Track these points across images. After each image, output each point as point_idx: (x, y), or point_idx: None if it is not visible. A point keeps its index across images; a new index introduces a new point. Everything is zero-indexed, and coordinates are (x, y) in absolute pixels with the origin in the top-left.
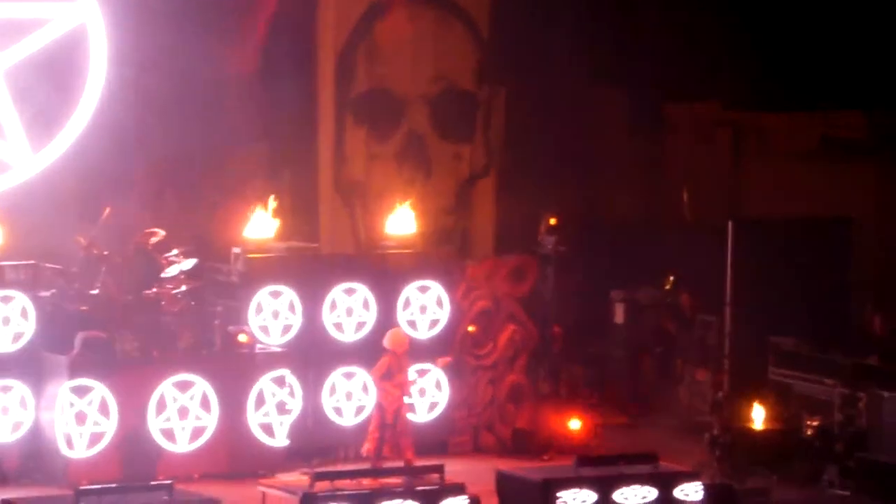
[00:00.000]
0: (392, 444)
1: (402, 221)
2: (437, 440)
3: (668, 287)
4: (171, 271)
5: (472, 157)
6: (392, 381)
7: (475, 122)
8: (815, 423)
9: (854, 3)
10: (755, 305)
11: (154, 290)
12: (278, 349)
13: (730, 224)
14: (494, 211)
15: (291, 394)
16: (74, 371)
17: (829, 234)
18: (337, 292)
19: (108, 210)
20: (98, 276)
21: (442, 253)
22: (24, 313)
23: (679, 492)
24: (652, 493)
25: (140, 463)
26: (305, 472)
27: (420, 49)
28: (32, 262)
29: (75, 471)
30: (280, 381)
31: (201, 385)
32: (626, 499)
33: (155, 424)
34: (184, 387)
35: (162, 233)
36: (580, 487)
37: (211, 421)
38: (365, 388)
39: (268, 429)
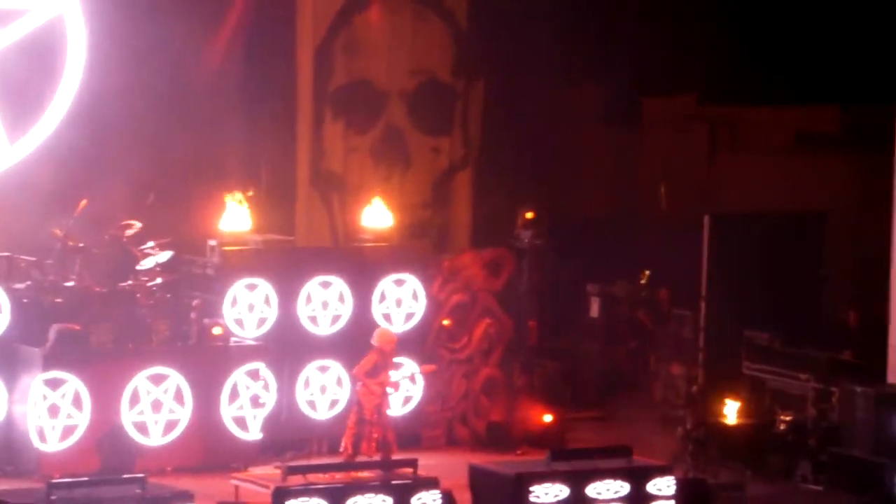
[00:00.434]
0: (369, 441)
1: (378, 215)
2: (411, 434)
3: (643, 282)
4: (146, 264)
5: (450, 150)
6: (376, 378)
7: (453, 116)
8: (788, 418)
9: None
10: (730, 300)
11: (129, 282)
12: (253, 342)
13: (706, 219)
14: (471, 204)
15: (265, 387)
16: (48, 363)
17: (803, 228)
18: (312, 285)
19: (84, 202)
20: (73, 269)
21: (418, 246)
22: None
23: (652, 486)
24: (625, 487)
25: (113, 456)
26: (278, 465)
27: (398, 42)
28: (7, 253)
29: (48, 464)
30: (254, 375)
31: (175, 378)
32: (598, 493)
33: (128, 417)
34: (157, 380)
35: (138, 225)
36: (553, 482)
37: (184, 414)
38: (339, 382)
39: (241, 422)
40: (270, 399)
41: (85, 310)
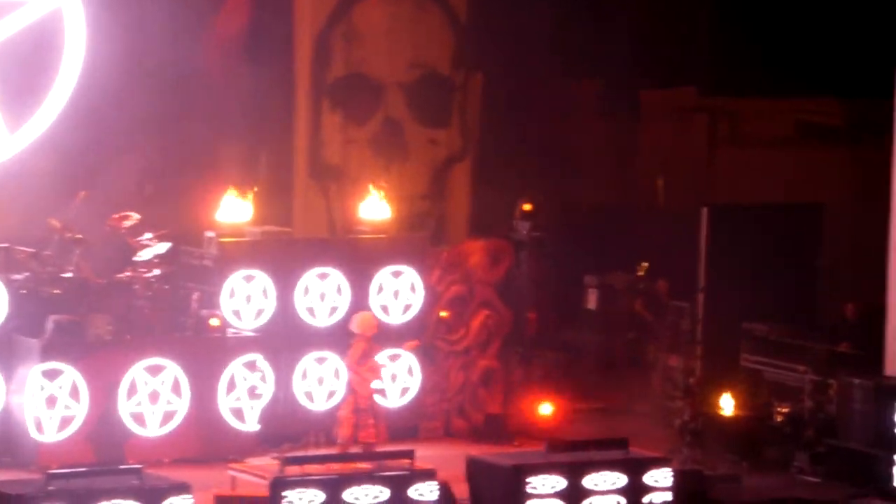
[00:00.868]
0: (366, 429)
1: (376, 206)
2: (409, 425)
3: (641, 273)
4: (144, 255)
5: (448, 142)
6: (365, 365)
7: (451, 108)
8: (785, 410)
9: None
10: (728, 292)
11: (127, 273)
12: (250, 334)
13: (704, 210)
14: (469, 196)
15: (263, 378)
16: (45, 354)
17: (802, 220)
18: (310, 277)
19: (82, 193)
20: (71, 260)
21: (416, 238)
22: None
23: (649, 478)
24: (622, 478)
25: (110, 447)
26: (276, 456)
27: (397, 34)
28: (5, 244)
29: (45, 454)
30: (251, 366)
31: (172, 369)
32: (595, 485)
33: (125, 408)
34: (155, 371)
35: (136, 216)
36: (550, 473)
37: (182, 405)
38: (336, 374)
39: (239, 413)
40: (268, 390)
41: (83, 301)
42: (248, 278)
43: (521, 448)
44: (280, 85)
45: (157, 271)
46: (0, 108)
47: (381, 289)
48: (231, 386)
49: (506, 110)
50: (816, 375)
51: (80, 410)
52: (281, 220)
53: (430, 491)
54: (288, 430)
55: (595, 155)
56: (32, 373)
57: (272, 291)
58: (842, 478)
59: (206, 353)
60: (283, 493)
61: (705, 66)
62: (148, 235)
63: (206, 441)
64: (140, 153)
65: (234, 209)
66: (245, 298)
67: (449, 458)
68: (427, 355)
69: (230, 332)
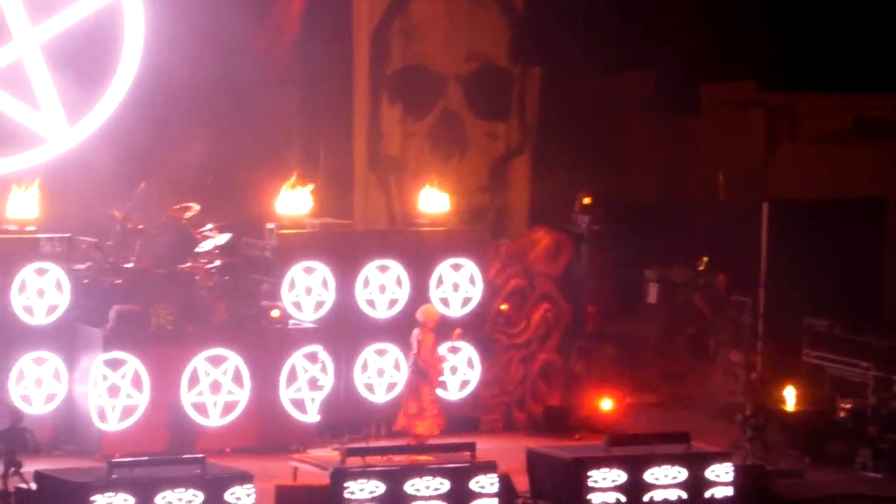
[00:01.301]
0: (433, 419)
1: (436, 199)
2: (469, 418)
3: (701, 268)
4: (205, 246)
5: (507, 135)
6: (433, 356)
7: (510, 101)
8: (848, 406)
9: None
10: (789, 287)
11: (188, 264)
12: (311, 325)
13: (764, 206)
14: (528, 189)
15: (323, 370)
16: (108, 344)
17: (862, 215)
18: (370, 269)
19: (142, 184)
20: (132, 250)
21: (475, 231)
22: (58, 286)
23: (710, 472)
24: (683, 473)
25: (172, 436)
26: (337, 447)
27: (455, 27)
28: (67, 234)
29: (108, 443)
30: (312, 357)
31: (234, 360)
32: (656, 479)
33: (187, 398)
34: (216, 361)
35: (196, 207)
36: (611, 467)
37: (243, 396)
38: (397, 366)
39: (299, 404)
40: (328, 382)
41: (144, 291)
42: (309, 270)
43: (581, 441)
44: (339, 78)
45: (217, 262)
46: (60, 100)
47: (440, 281)
48: (292, 377)
49: (564, 103)
50: (879, 371)
51: (142, 400)
52: (341, 213)
53: (491, 483)
54: (348, 422)
55: (653, 148)
56: (95, 362)
57: (332, 283)
58: None
59: (267, 344)
60: (345, 484)
61: (764, 60)
62: (209, 226)
63: (267, 431)
64: (201, 145)
65: (295, 201)
66: (305, 290)
67: (509, 450)
68: (487, 348)
69: (291, 323)
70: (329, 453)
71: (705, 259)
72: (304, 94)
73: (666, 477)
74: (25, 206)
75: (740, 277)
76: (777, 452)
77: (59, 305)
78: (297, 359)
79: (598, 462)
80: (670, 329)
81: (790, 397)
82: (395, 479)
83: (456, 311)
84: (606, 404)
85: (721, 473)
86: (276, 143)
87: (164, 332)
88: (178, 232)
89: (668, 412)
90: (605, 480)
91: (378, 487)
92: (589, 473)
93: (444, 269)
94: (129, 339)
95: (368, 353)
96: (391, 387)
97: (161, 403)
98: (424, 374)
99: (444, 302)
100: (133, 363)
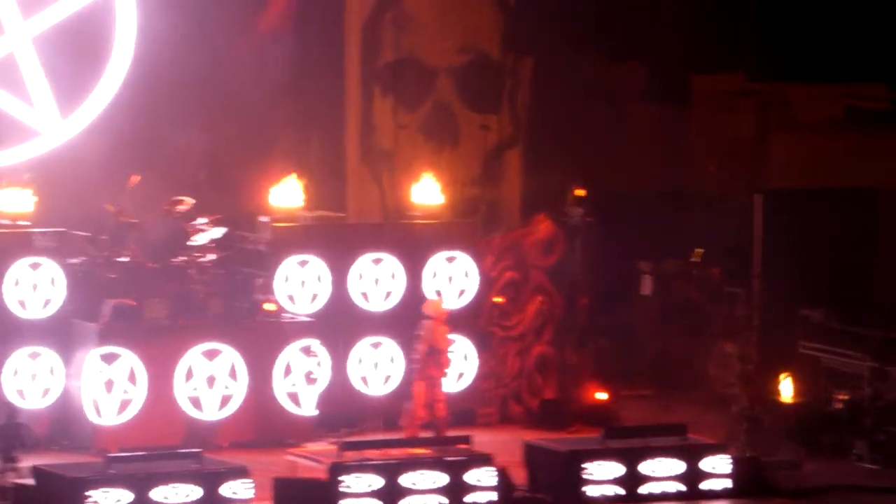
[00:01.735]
0: (437, 412)
1: (429, 191)
2: (465, 411)
3: (696, 259)
4: (199, 240)
5: (500, 127)
6: (447, 347)
7: (502, 93)
8: (843, 397)
9: None
10: (783, 278)
11: (182, 258)
12: (306, 318)
13: (756, 196)
14: (520, 181)
15: (319, 363)
16: (103, 338)
17: (856, 205)
18: (364, 262)
19: (136, 178)
20: (126, 244)
21: (469, 223)
22: (53, 280)
23: (706, 464)
24: (679, 465)
25: (167, 431)
26: (333, 441)
27: (447, 19)
28: (62, 229)
29: (103, 438)
30: (307, 351)
31: (229, 354)
32: (653, 471)
33: (183, 392)
34: (212, 355)
35: (190, 201)
36: (607, 459)
37: (238, 390)
38: (392, 358)
39: (295, 398)
40: (324, 375)
41: (139, 285)
42: (303, 263)
43: (577, 434)
44: (331, 71)
45: (211, 256)
46: (52, 93)
47: (435, 274)
48: (287, 371)
49: (556, 95)
50: (875, 362)
51: (137, 394)
52: (334, 206)
53: (488, 476)
54: (344, 415)
55: (646, 140)
56: (90, 357)
57: (326, 276)
58: None
59: (262, 337)
60: (342, 478)
61: (755, 50)
62: (203, 220)
63: (263, 425)
64: (194, 138)
65: (288, 194)
66: (299, 283)
67: (506, 443)
68: (483, 341)
69: (286, 316)
70: (325, 447)
71: (699, 250)
72: (296, 88)
73: (662, 469)
74: (19, 201)
75: (734, 269)
76: (773, 444)
77: (53, 300)
78: (292, 352)
79: (595, 454)
80: (664, 321)
81: (786, 388)
82: (391, 472)
83: (451, 303)
84: (602, 396)
85: (717, 465)
86: (268, 137)
87: (158, 327)
88: (172, 226)
89: (663, 404)
90: (602, 473)
91: (375, 481)
92: (585, 466)
93: (438, 261)
94: (123, 334)
95: (363, 346)
96: (387, 379)
97: (156, 398)
98: (440, 364)
99: (439, 295)
100: (128, 357)
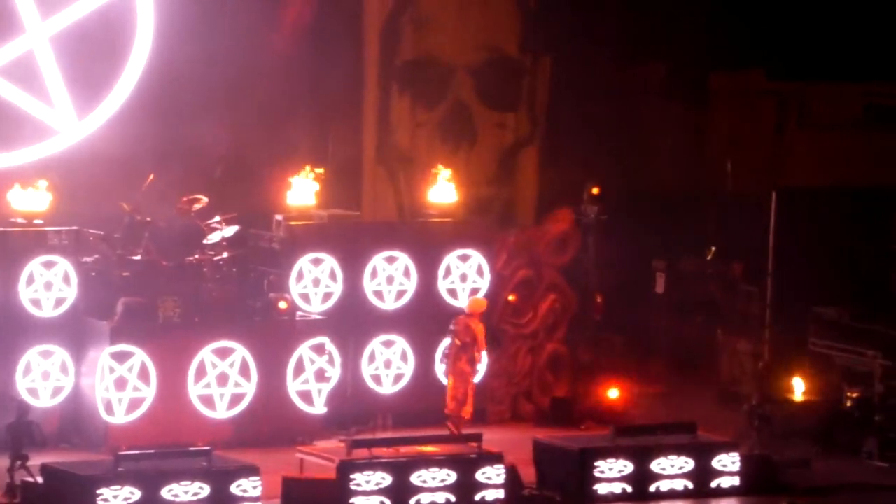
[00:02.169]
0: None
1: (444, 190)
2: (476, 409)
3: (709, 257)
4: (213, 238)
5: (517, 126)
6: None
7: (520, 91)
8: (855, 395)
9: None
10: (798, 276)
11: (196, 256)
12: (318, 317)
13: (773, 194)
14: (536, 180)
15: (331, 361)
16: (115, 337)
17: (872, 203)
18: (378, 260)
19: (151, 176)
20: (140, 242)
21: (483, 222)
22: (66, 278)
23: (717, 462)
24: (689, 463)
25: (179, 429)
26: (343, 439)
27: (466, 18)
28: (75, 227)
29: (114, 436)
30: (319, 349)
31: (241, 352)
32: (663, 469)
33: (194, 391)
34: (223, 353)
35: (204, 199)
36: (617, 457)
37: (250, 388)
38: (404, 357)
39: (306, 396)
40: (335, 373)
41: (152, 283)
42: (317, 262)
43: (588, 432)
44: (349, 69)
45: (225, 254)
46: (69, 93)
47: (448, 272)
48: (299, 369)
49: (573, 94)
50: (887, 360)
51: (149, 392)
52: (349, 204)
53: (498, 474)
54: (355, 414)
55: (663, 138)
56: (102, 355)
57: (340, 275)
58: None
59: (274, 336)
60: (351, 476)
61: (774, 49)
62: (216, 218)
63: (273, 424)
64: (209, 137)
65: (303, 193)
66: (313, 282)
67: (516, 441)
68: (494, 339)
69: (298, 315)
70: (335, 445)
71: (713, 248)
72: (314, 86)
73: (672, 467)
74: (33, 199)
75: (749, 266)
76: (784, 442)
77: (66, 298)
78: (304, 350)
79: (605, 452)
80: (678, 319)
81: (797, 387)
82: (401, 470)
83: (464, 302)
84: (613, 394)
85: (728, 463)
86: (284, 135)
87: (171, 325)
88: (186, 224)
89: (674, 402)
90: (612, 471)
91: (384, 479)
92: (596, 464)
93: (451, 259)
94: (135, 332)
95: (376, 345)
96: (398, 378)
97: (168, 396)
98: (473, 361)
99: (452, 293)
100: (140, 356)
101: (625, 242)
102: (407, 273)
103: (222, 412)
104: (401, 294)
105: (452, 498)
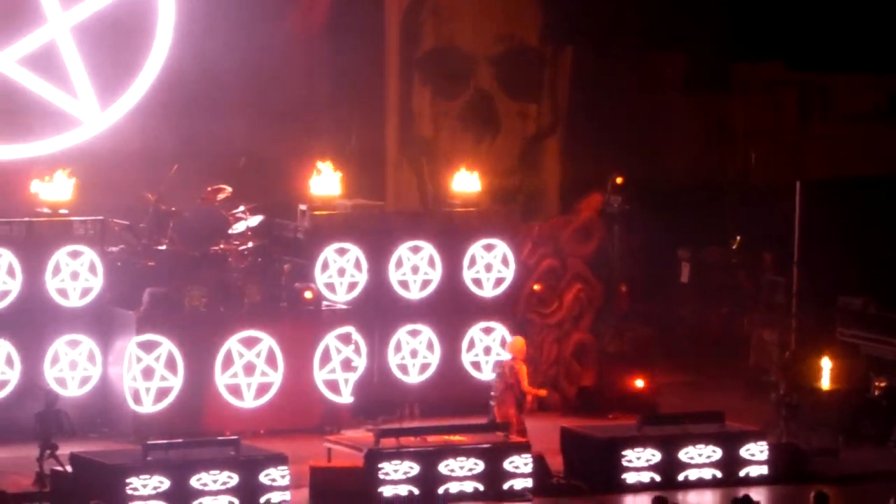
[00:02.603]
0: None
1: (467, 180)
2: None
3: (735, 247)
4: (237, 228)
5: (538, 115)
6: (527, 387)
7: (541, 81)
8: (882, 384)
9: None
10: (823, 265)
11: (221, 246)
12: (344, 306)
13: (797, 184)
14: (560, 170)
15: (357, 351)
16: (142, 326)
17: (894, 192)
18: (403, 250)
19: (175, 166)
20: (165, 232)
21: (507, 211)
22: (92, 268)
23: (745, 451)
24: (717, 452)
25: (206, 418)
26: (370, 428)
27: (486, 7)
28: (101, 217)
29: (143, 425)
30: (345, 339)
31: (267, 341)
32: (690, 458)
33: (221, 380)
34: (250, 343)
35: (229, 189)
36: (645, 447)
37: (276, 377)
38: (430, 346)
39: (333, 385)
40: (361, 363)
41: (177, 273)
42: (341, 251)
43: (615, 421)
44: (371, 59)
45: (250, 244)
46: (93, 83)
47: (473, 262)
48: (325, 358)
49: (595, 84)
50: None
51: (176, 382)
52: (373, 194)
53: (525, 463)
54: (382, 403)
55: (685, 129)
56: (130, 345)
57: (365, 264)
58: None
59: (300, 325)
60: (379, 465)
61: (795, 39)
62: (241, 208)
63: (301, 413)
64: (233, 127)
65: (327, 182)
66: (338, 271)
67: (543, 430)
68: (520, 328)
69: (324, 304)
70: (363, 434)
71: (738, 238)
72: (336, 76)
73: (700, 456)
74: (59, 189)
75: (774, 256)
76: (811, 431)
77: (92, 288)
78: (330, 340)
79: (633, 442)
80: (703, 308)
81: (824, 376)
82: (429, 459)
83: (489, 291)
84: (640, 384)
85: (756, 452)
86: (308, 125)
87: (197, 314)
88: (210, 214)
89: (701, 391)
90: (640, 460)
91: (412, 468)
92: (623, 453)
93: (476, 249)
94: (162, 322)
95: (401, 334)
96: (424, 367)
97: (195, 385)
98: (521, 405)
99: (477, 282)
100: (167, 345)
101: (649, 232)
102: (432, 263)
103: (249, 401)
104: (426, 284)
105: (480, 487)
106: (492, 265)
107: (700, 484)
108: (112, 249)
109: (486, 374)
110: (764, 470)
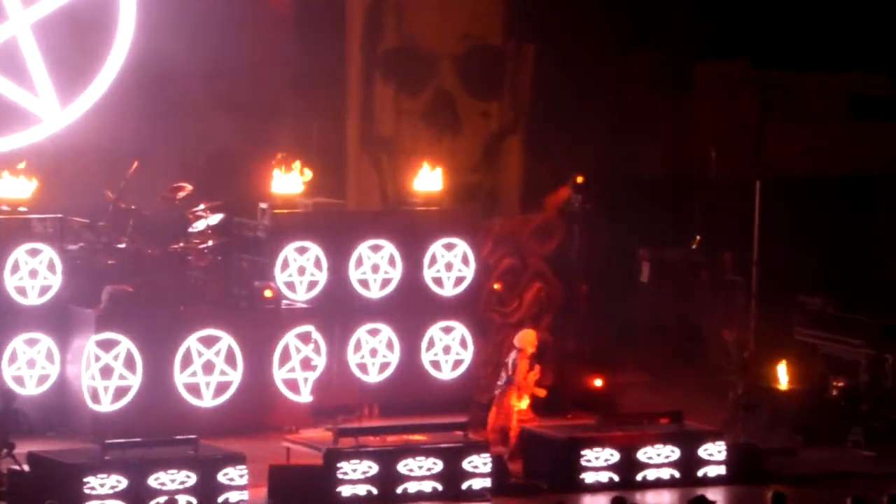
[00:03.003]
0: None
1: (429, 178)
2: (462, 398)
3: (695, 247)
4: (197, 226)
5: (500, 114)
6: (526, 380)
7: (503, 79)
8: (840, 384)
9: None
10: (782, 265)
11: (181, 244)
12: (304, 305)
13: (757, 183)
14: (521, 168)
15: (316, 350)
16: (101, 325)
17: (856, 193)
18: (363, 249)
19: (135, 164)
20: (125, 231)
21: (468, 210)
22: (51, 266)
23: (703, 451)
24: (675, 452)
25: (165, 417)
26: (329, 428)
27: (449, 5)
28: (60, 215)
29: (101, 424)
30: (305, 338)
31: (227, 340)
32: (649, 458)
33: (180, 379)
34: (209, 342)
35: (189, 187)
36: (604, 446)
37: (236, 376)
38: (390, 345)
39: (292, 385)
40: (321, 362)
41: (137, 271)
42: (302, 250)
43: (574, 421)
44: (332, 58)
45: (210, 242)
46: (53, 80)
47: (433, 261)
48: (285, 357)
49: (557, 82)
50: (872, 349)
51: (135, 381)
52: (334, 192)
53: (484, 463)
54: (341, 402)
55: (647, 128)
56: (88, 343)
57: (325, 263)
58: None
59: (259, 324)
60: (338, 464)
61: (757, 38)
62: (201, 206)
63: (260, 412)
64: (193, 125)
65: (287, 181)
66: (298, 270)
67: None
68: (480, 328)
69: (284, 303)
70: (322, 433)
71: (698, 238)
72: (297, 74)
73: (659, 456)
74: (17, 187)
75: (734, 256)
76: (769, 431)
77: (51, 286)
78: (290, 339)
79: (591, 442)
80: (663, 308)
81: (783, 376)
82: (388, 459)
83: (449, 290)
84: (599, 383)
85: (714, 452)
86: (268, 123)
87: (156, 313)
88: (170, 212)
89: (660, 391)
90: (598, 460)
91: (371, 467)
92: (582, 453)
93: (437, 248)
94: (121, 320)
95: (361, 333)
96: (384, 367)
97: (154, 384)
98: (519, 397)
99: (437, 281)
100: (125, 344)
101: (610, 231)
102: (392, 262)
103: (208, 400)
104: (386, 282)
105: (439, 487)
106: (452, 264)
107: (658, 484)
108: (71, 248)
109: (446, 374)
110: (722, 470)
